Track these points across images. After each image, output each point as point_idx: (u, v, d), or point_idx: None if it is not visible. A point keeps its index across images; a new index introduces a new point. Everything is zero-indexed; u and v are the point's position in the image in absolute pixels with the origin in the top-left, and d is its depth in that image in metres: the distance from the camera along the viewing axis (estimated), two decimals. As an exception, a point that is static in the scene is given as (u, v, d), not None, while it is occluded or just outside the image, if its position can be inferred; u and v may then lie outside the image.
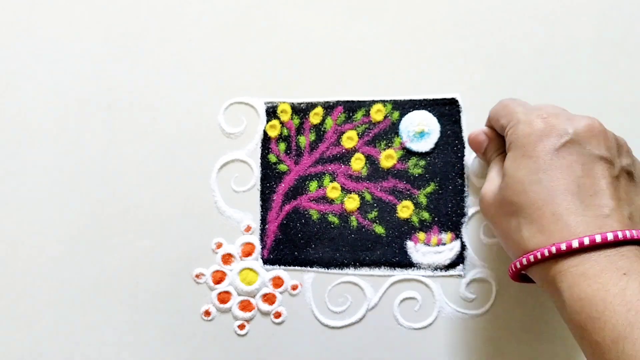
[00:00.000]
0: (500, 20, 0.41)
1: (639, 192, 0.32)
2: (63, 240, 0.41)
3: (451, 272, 0.39)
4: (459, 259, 0.39)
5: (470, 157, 0.39)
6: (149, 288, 0.41)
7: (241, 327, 0.40)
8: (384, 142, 0.40)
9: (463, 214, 0.39)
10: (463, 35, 0.41)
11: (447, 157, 0.40)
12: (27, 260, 0.41)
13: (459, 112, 0.40)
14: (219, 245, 0.41)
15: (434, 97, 0.40)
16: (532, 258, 0.30)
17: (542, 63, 0.40)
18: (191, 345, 0.40)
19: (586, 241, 0.28)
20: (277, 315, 0.40)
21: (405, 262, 0.39)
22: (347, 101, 0.41)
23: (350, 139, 0.41)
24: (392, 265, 0.39)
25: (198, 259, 0.41)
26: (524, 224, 0.30)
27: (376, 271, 0.40)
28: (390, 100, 0.40)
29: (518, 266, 0.31)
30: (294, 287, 0.40)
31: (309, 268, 0.40)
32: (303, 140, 0.41)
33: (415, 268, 0.39)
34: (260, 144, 0.41)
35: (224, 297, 0.40)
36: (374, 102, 0.41)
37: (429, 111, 0.40)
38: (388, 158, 0.40)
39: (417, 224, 0.39)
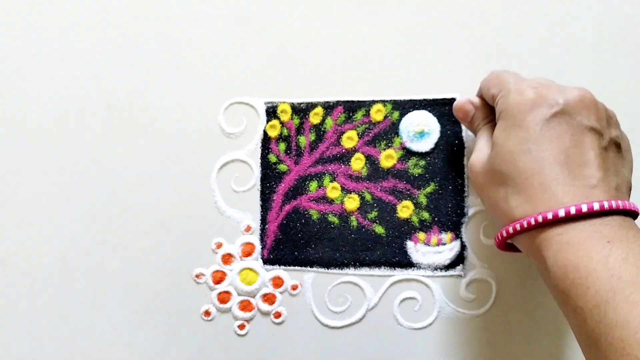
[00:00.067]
0: (500, 20, 0.41)
1: (626, 164, 0.32)
2: (63, 241, 0.41)
3: (451, 272, 0.39)
4: (459, 259, 0.39)
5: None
6: (149, 288, 0.41)
7: (241, 327, 0.40)
8: (384, 142, 0.40)
9: (463, 214, 0.39)
10: (463, 35, 0.41)
11: (447, 157, 0.40)
12: (27, 260, 0.41)
13: (459, 112, 0.40)
14: (219, 245, 0.41)
15: (434, 97, 0.40)
16: (518, 227, 0.30)
17: (542, 63, 0.40)
18: (191, 345, 0.40)
19: (572, 210, 0.28)
20: (277, 315, 0.40)
21: (405, 262, 0.39)
22: (347, 101, 0.41)
23: (350, 139, 0.41)
24: (392, 265, 0.39)
25: (198, 259, 0.41)
26: (511, 193, 0.30)
27: (376, 271, 0.40)
28: (390, 100, 0.40)
29: (504, 234, 0.31)
30: (294, 287, 0.40)
31: (309, 268, 0.40)
32: (303, 140, 0.41)
33: (415, 268, 0.39)
34: (260, 144, 0.41)
35: (224, 297, 0.40)
36: (374, 102, 0.41)
37: (429, 111, 0.40)
38: (388, 158, 0.40)
39: (417, 224, 0.39)
